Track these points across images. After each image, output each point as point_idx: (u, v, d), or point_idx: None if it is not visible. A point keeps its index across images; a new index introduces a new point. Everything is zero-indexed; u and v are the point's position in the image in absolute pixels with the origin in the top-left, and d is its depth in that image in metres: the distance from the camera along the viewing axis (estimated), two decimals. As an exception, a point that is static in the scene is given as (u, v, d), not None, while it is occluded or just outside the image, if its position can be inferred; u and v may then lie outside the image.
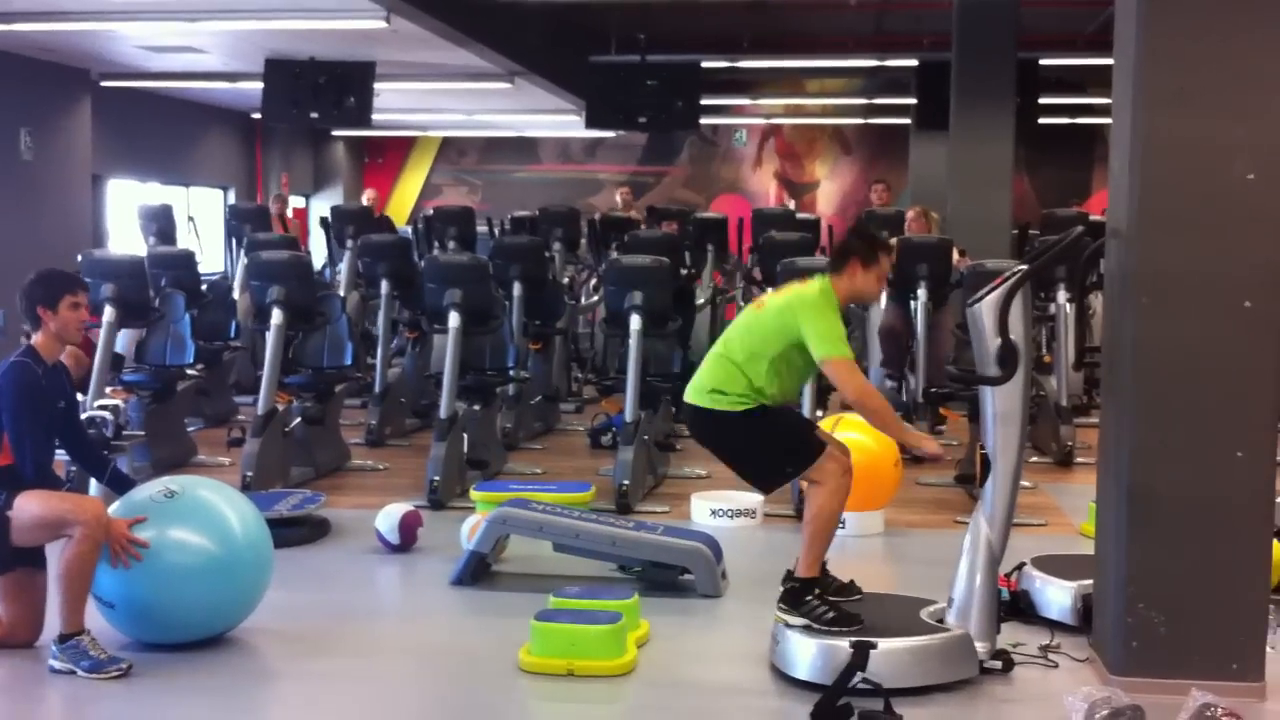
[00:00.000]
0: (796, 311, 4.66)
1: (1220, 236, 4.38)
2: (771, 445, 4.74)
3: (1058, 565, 5.31)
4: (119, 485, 5.04)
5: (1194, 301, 4.39)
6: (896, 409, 8.66)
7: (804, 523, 4.71)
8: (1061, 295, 8.57)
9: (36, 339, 4.76)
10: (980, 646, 4.53)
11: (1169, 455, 4.41)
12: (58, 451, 4.96)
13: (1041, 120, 14.51)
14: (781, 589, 4.68)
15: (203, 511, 4.85)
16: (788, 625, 4.57)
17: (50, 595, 4.67)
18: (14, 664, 4.69)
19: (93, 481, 6.16)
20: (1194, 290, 4.38)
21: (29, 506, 4.55)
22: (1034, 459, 8.41)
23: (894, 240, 9.36)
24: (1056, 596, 5.12)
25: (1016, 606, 5.15)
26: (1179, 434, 4.40)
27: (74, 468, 6.12)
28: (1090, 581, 4.90)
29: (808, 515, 4.67)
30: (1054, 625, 5.04)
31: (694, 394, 4.82)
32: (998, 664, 4.56)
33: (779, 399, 4.77)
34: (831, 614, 4.52)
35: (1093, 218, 10.68)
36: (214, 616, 4.87)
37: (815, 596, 4.58)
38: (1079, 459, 8.29)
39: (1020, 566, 5.30)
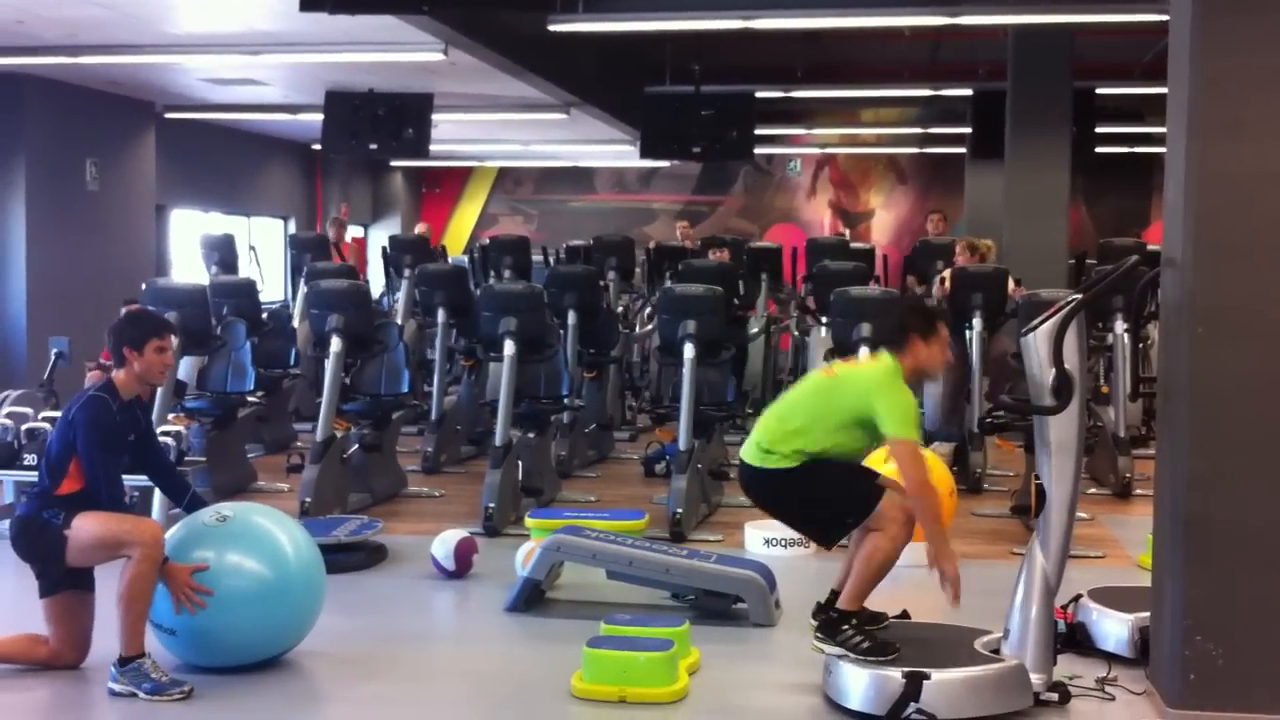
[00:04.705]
0: (869, 388, 4.67)
1: (1276, 267, 4.34)
2: (827, 496, 4.73)
3: (1115, 597, 5.26)
4: (198, 509, 5.09)
5: (1250, 331, 4.35)
6: (951, 439, 8.74)
7: (856, 559, 4.71)
8: (1119, 325, 8.51)
9: (117, 375, 4.87)
10: (1036, 678, 4.50)
11: (1225, 486, 4.37)
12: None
13: (1098, 149, 14.42)
14: (813, 620, 4.72)
15: (255, 536, 4.93)
16: (824, 653, 4.61)
17: (109, 618, 4.74)
18: (62, 686, 4.77)
19: (154, 504, 6.29)
20: (1250, 320, 4.35)
21: (87, 526, 4.64)
22: (1092, 491, 8.34)
23: (948, 270, 9.35)
24: (1113, 629, 5.07)
25: (1073, 638, 5.11)
26: (1235, 464, 4.36)
27: (136, 492, 6.23)
28: (1147, 614, 4.85)
29: (862, 553, 4.67)
30: (1111, 658, 4.99)
31: (747, 452, 4.85)
32: (1054, 696, 4.53)
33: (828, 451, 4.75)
34: (867, 643, 4.52)
35: (1150, 247, 10.60)
36: (268, 640, 4.93)
37: (851, 626, 4.60)
38: (1137, 491, 8.21)
39: (1077, 598, 5.27)
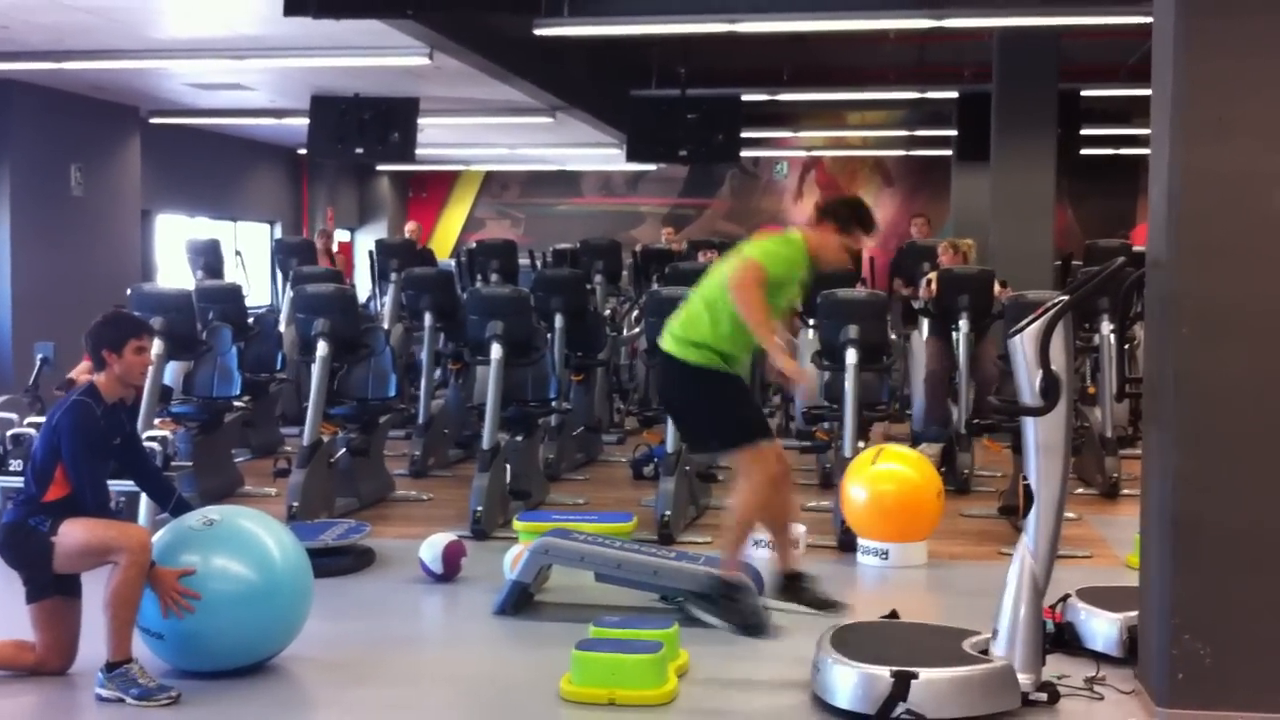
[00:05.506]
0: (749, 244, 4.87)
1: (1261, 267, 4.36)
2: (714, 406, 4.86)
3: (1103, 597, 5.27)
4: (183, 513, 5.08)
5: (1235, 331, 4.36)
6: (939, 440, 8.76)
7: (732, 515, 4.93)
8: (1105, 326, 8.54)
9: (99, 379, 4.84)
10: (1024, 678, 4.51)
11: (1212, 485, 4.38)
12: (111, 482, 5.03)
13: (1084, 151, 14.47)
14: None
15: (242, 539, 4.91)
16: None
17: (96, 623, 4.71)
18: (49, 692, 4.74)
19: (141, 509, 6.26)
20: (1235, 320, 4.36)
21: (74, 533, 4.63)
22: (1079, 491, 8.36)
23: (934, 274, 9.37)
24: (1101, 628, 5.08)
25: (1061, 638, 5.12)
26: (1222, 464, 4.38)
27: (123, 498, 6.21)
28: (1135, 613, 4.86)
29: (732, 509, 4.89)
30: (1099, 657, 5.00)
31: (663, 340, 5.03)
32: (1043, 696, 4.53)
33: (736, 352, 4.90)
34: (811, 596, 4.95)
35: (1136, 248, 10.65)
36: (256, 644, 4.91)
37: (800, 587, 4.99)
38: (1124, 491, 8.22)
39: (1065, 598, 5.27)
